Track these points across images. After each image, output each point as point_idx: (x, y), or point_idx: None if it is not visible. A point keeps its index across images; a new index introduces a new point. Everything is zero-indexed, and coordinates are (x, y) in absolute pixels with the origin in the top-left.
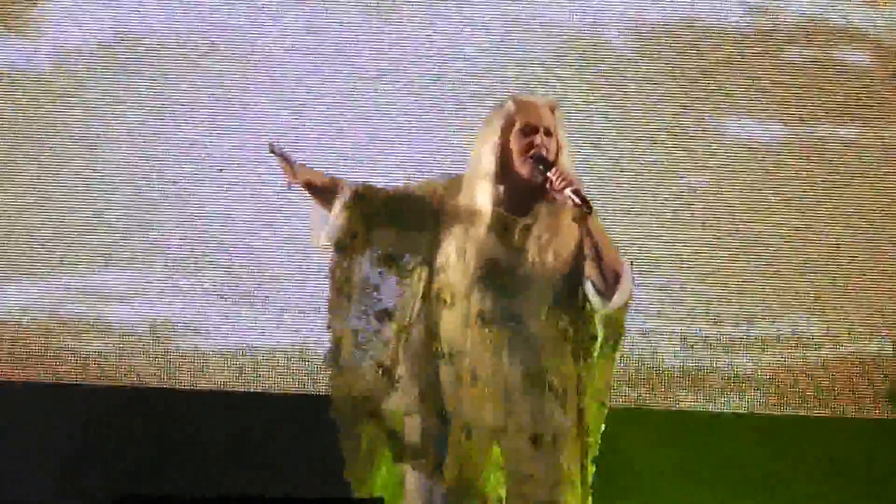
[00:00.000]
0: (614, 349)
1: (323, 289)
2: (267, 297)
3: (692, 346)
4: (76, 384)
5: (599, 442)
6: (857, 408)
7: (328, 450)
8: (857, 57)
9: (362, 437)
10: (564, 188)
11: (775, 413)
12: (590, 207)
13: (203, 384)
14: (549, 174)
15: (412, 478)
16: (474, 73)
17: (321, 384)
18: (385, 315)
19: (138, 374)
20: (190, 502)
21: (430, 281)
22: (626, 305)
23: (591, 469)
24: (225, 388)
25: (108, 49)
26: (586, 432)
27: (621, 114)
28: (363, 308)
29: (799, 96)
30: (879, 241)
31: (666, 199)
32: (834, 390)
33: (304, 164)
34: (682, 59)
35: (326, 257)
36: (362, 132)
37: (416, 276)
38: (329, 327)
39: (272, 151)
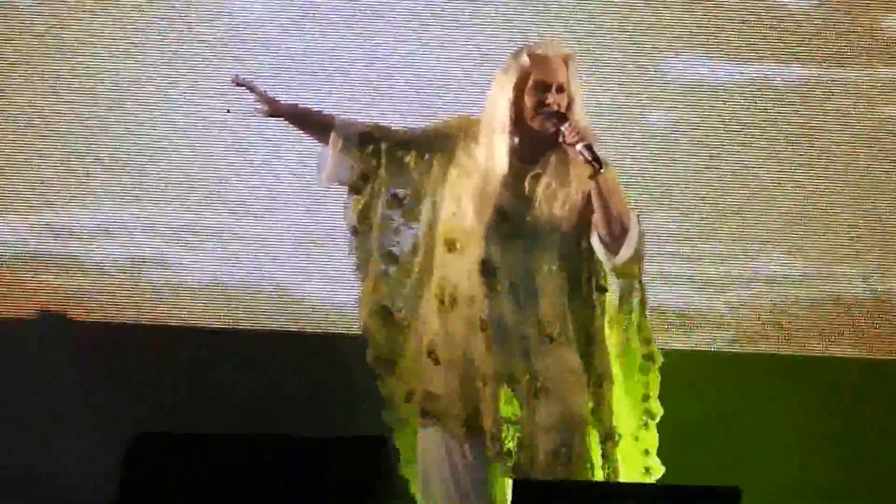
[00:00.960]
0: (641, 301)
1: (298, 225)
2: (240, 232)
3: (669, 286)
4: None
5: (651, 393)
6: (826, 347)
7: (307, 388)
8: None
9: (386, 385)
10: (576, 143)
11: (747, 351)
12: (600, 164)
13: (175, 321)
14: (561, 128)
15: (432, 438)
16: (485, 15)
17: (294, 322)
18: (391, 258)
19: (110, 311)
20: (196, 438)
21: (436, 227)
22: (638, 258)
23: (611, 414)
24: (197, 325)
25: None
26: (599, 382)
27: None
28: (382, 251)
29: (739, 35)
30: (846, 182)
31: (629, 141)
32: (809, 329)
33: (275, 97)
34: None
35: (302, 193)
36: (371, 77)
37: (423, 221)
38: (357, 269)
39: (236, 83)
